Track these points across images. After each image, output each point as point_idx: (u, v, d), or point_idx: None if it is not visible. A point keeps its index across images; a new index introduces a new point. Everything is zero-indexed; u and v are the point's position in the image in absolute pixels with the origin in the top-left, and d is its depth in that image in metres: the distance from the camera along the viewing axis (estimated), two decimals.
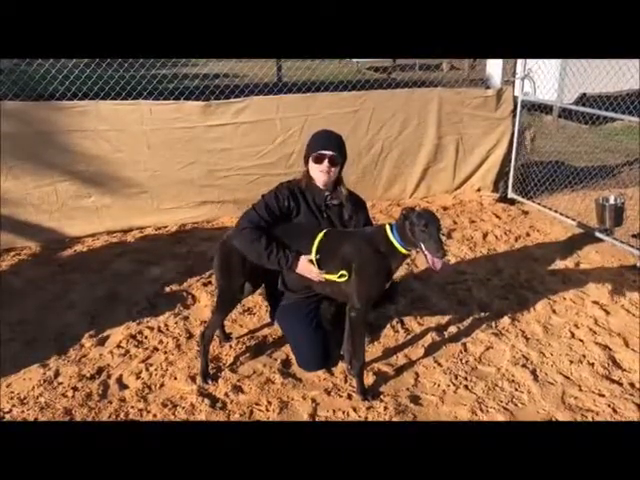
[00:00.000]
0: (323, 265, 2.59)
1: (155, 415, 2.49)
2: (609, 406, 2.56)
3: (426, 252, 2.42)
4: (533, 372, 2.82)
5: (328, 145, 2.72)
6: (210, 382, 2.71)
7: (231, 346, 3.02)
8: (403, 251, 2.54)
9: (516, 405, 2.58)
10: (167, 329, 3.19)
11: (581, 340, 3.10)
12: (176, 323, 3.25)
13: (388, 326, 3.21)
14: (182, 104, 4.46)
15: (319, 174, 2.73)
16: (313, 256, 2.59)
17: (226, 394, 2.64)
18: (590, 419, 2.48)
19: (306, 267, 2.61)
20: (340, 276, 2.56)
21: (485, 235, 4.60)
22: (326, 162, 2.69)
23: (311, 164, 2.74)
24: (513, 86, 5.28)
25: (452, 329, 3.20)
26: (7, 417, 2.46)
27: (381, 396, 2.63)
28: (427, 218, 2.42)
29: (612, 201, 4.59)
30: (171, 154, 4.50)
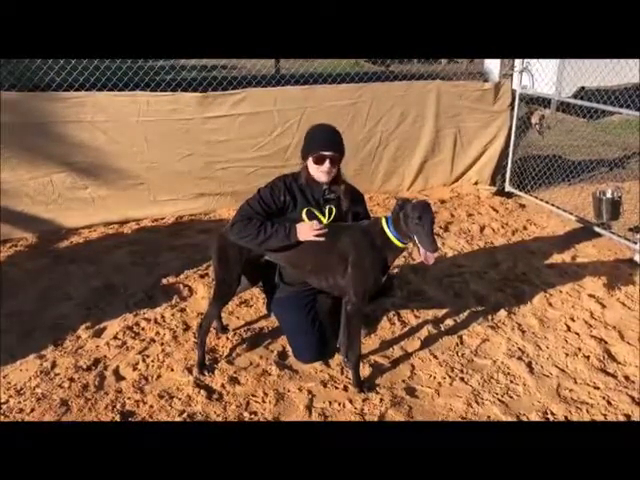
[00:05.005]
0: (320, 257, 2.58)
1: (152, 406, 2.49)
2: (604, 399, 2.57)
3: (419, 245, 2.41)
4: (529, 365, 2.83)
5: (329, 145, 2.65)
6: (206, 373, 2.72)
7: (228, 338, 3.03)
8: (399, 244, 2.52)
9: (511, 397, 2.59)
10: (164, 321, 3.19)
11: (577, 333, 3.11)
12: (173, 315, 3.25)
13: (385, 318, 3.22)
14: (179, 95, 4.44)
15: (320, 174, 2.67)
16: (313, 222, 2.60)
17: (222, 385, 2.64)
18: (585, 411, 2.49)
19: (306, 227, 2.56)
20: (329, 211, 2.67)
21: (482, 228, 4.60)
22: (327, 163, 2.64)
23: (311, 163, 2.67)
24: (511, 79, 5.27)
25: (448, 322, 3.21)
26: (4, 408, 2.47)
27: (377, 388, 2.64)
28: (421, 211, 2.38)
29: (609, 194, 4.60)
30: (168, 146, 4.49)
